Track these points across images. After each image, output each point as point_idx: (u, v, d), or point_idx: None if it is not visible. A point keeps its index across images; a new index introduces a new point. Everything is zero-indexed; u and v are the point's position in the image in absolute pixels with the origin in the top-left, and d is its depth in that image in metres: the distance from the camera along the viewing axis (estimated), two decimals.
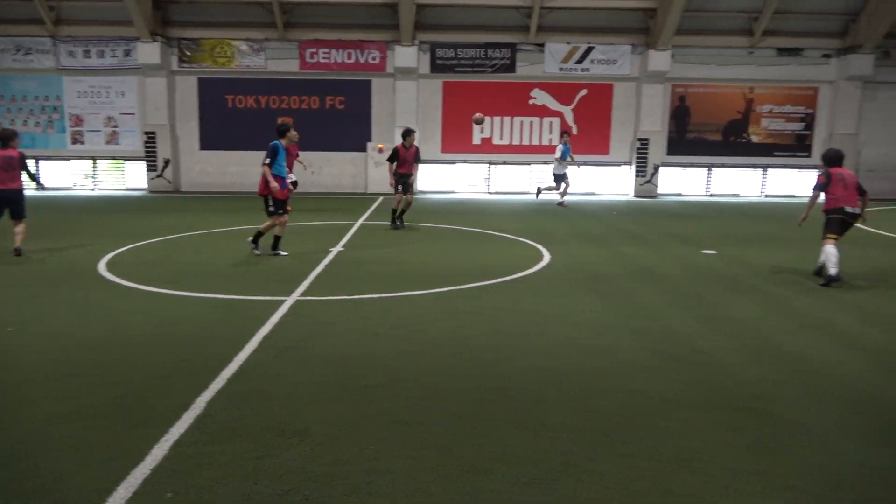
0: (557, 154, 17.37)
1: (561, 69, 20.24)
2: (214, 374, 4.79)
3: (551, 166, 18.12)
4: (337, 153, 20.62)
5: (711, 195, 21.37)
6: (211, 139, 20.52)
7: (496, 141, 20.92)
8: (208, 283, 7.81)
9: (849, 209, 8.28)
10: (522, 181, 21.23)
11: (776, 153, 21.18)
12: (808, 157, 21.26)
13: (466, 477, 3.41)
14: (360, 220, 13.86)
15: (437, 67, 20.19)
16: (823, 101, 20.90)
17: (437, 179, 21.19)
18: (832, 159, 8.57)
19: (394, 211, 12.83)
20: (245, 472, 3.43)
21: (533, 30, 19.67)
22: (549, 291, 7.63)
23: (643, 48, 20.11)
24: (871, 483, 3.40)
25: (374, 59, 20.00)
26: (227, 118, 20.37)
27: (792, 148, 21.18)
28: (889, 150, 21.21)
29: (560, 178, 17.52)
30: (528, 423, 4.06)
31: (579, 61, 20.19)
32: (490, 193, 21.09)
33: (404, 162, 12.77)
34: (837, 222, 8.27)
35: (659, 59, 19.64)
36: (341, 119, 20.53)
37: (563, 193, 17.70)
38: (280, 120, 13.98)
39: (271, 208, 9.42)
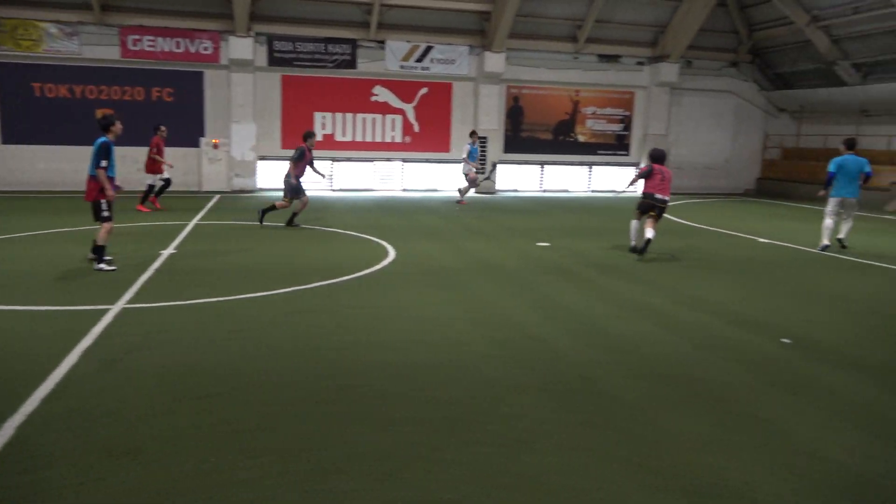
0: (464, 154, 17.63)
1: (402, 67, 20.46)
2: (25, 395, 4.29)
3: (460, 166, 18.18)
4: (166, 149, 19.27)
5: (545, 191, 22.71)
6: (15, 132, 18.29)
7: (339, 137, 20.70)
8: (16, 293, 6.97)
9: (657, 196, 10.24)
10: (366, 178, 21.22)
11: (599, 151, 22.98)
12: (627, 155, 23.31)
13: (315, 479, 3.36)
14: (195, 221, 13.08)
15: (274, 61, 19.56)
16: (638, 105, 23.00)
17: (276, 176, 20.50)
18: (656, 157, 10.50)
19: (270, 208, 12.62)
20: (67, 501, 3.11)
21: (373, 27, 19.69)
22: (394, 287, 7.71)
23: (480, 49, 20.89)
24: (683, 449, 3.80)
25: (206, 49, 18.94)
26: (35, 109, 18.25)
27: (613, 147, 23.09)
28: (693, 150, 23.82)
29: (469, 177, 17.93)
30: (375, 420, 4.08)
31: (419, 60, 20.54)
32: (333, 191, 20.83)
33: (309, 163, 12.68)
34: (645, 204, 10.39)
35: (494, 61, 20.51)
36: (170, 112, 19.16)
37: (463, 192, 18.16)
38: (100, 112, 12.91)
39: (105, 213, 8.38)
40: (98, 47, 18.25)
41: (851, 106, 21.22)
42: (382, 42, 20.20)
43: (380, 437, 3.85)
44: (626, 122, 23.05)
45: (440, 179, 21.77)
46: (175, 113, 19.16)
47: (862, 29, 19.53)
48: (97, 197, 8.25)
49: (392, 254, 9.83)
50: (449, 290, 7.60)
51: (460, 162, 18.05)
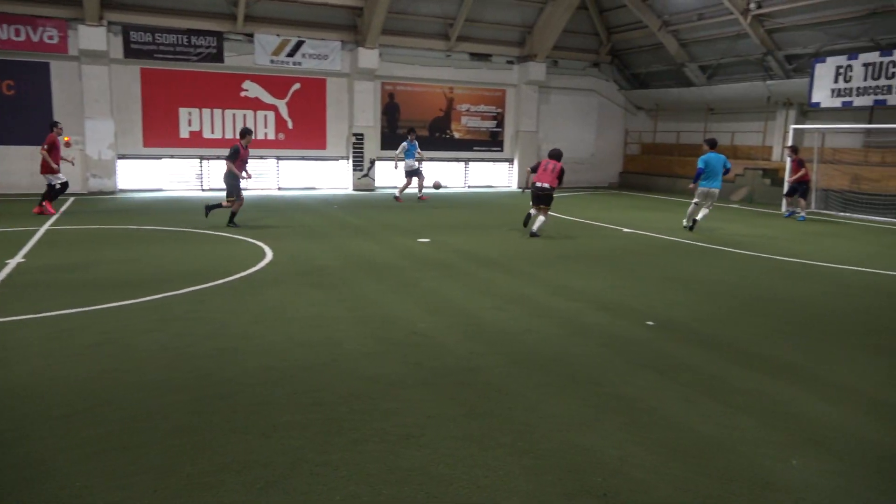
0: (399, 151, 17.97)
1: (272, 62, 19.84)
2: None
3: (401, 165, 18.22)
4: (9, 147, 17.50)
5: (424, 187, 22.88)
6: None
7: (207, 135, 19.73)
8: None
9: (537, 184, 11.93)
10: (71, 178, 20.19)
11: (475, 148, 23.52)
12: (501, 151, 24.04)
13: (193, 493, 3.18)
14: (46, 226, 11.97)
15: (132, 52, 18.28)
16: (510, 103, 23.76)
17: (140, 177, 19.26)
18: (551, 154, 12.32)
19: (216, 206, 12.69)
20: None
21: (240, 19, 18.93)
22: (273, 289, 7.47)
23: (353, 45, 20.68)
24: (562, 431, 3.98)
25: (50, 38, 17.34)
26: None
27: (487, 143, 23.71)
28: (562, 145, 24.63)
29: (412, 173, 18.12)
30: (255, 427, 3.93)
31: (291, 54, 20.01)
32: (204, 190, 19.85)
33: (243, 162, 12.54)
34: (532, 195, 12.11)
35: (368, 57, 20.39)
36: (12, 107, 17.43)
37: (420, 188, 18.54)
38: None
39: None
40: None
41: (699, 104, 23.13)
42: (251, 35, 19.48)
43: (262, 444, 3.72)
44: (499, 119, 23.74)
45: (317, 177, 21.37)
46: (17, 108, 17.43)
47: (706, 34, 21.33)
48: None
49: (269, 255, 9.52)
50: (330, 290, 7.48)
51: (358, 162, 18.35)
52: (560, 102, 24.65)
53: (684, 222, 13.38)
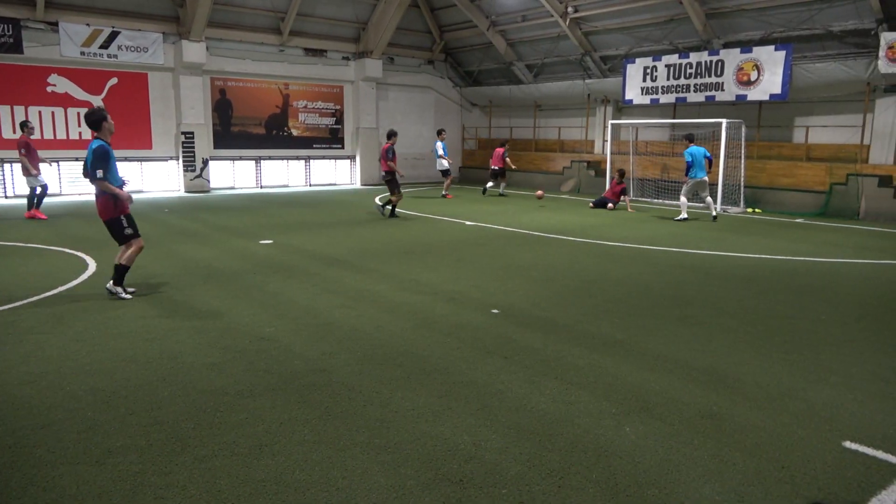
0: (440, 151, 19.30)
1: (83, 53, 18.07)
2: None
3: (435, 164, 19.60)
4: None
5: (263, 187, 22.12)
6: None
7: (7, 135, 17.54)
8: None
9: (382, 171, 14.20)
10: (51, 181, 18.33)
11: (315, 145, 23.09)
12: (342, 148, 23.81)
13: None
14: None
15: None
16: (348, 99, 23.60)
17: None
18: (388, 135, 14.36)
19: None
20: None
21: (40, 5, 17.03)
22: (97, 303, 6.83)
23: (176, 37, 19.41)
24: (416, 423, 4.04)
25: None
26: None
27: (328, 140, 23.37)
28: (402, 142, 25.15)
29: (445, 172, 19.41)
30: (86, 455, 3.58)
31: (104, 46, 18.35)
32: (8, 197, 17.66)
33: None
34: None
35: (194, 50, 19.24)
36: None
37: (448, 186, 19.38)
38: (97, 106, 8.64)
39: (128, 230, 6.99)
40: None
41: (528, 101, 24.46)
42: (55, 24, 17.59)
43: (95, 473, 3.40)
44: (339, 115, 23.50)
45: (143, 179, 19.83)
46: None
47: (530, 34, 22.60)
48: (116, 213, 6.92)
49: (92, 266, 8.70)
50: (164, 301, 6.99)
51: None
52: (398, 99, 24.91)
53: (682, 215, 14.27)
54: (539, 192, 17.01)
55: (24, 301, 6.81)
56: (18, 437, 3.80)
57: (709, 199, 14.54)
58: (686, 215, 14.39)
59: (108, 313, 6.42)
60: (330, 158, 23.56)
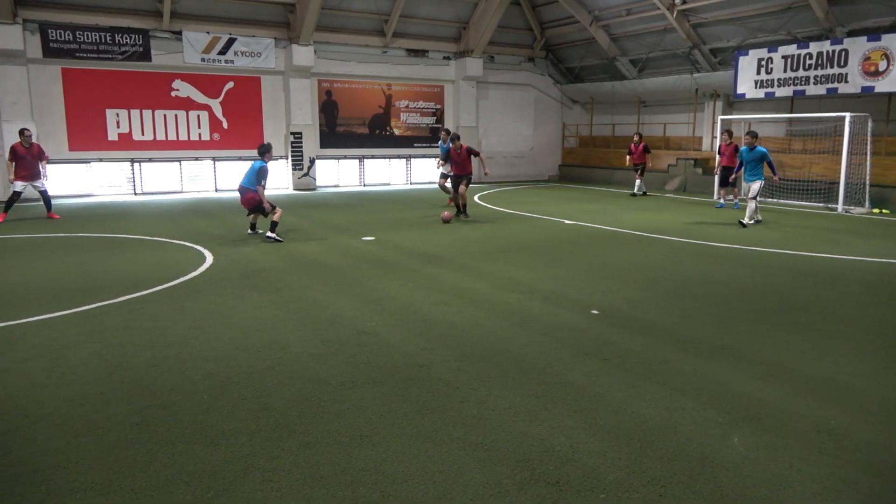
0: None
1: (203, 60, 19.31)
2: None
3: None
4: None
5: (365, 185, 22.77)
6: None
7: (137, 136, 19.05)
8: None
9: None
10: (173, 179, 19.79)
11: (416, 144, 23.51)
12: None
13: None
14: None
15: (51, 52, 17.47)
16: (448, 98, 23.85)
17: (67, 182, 18.44)
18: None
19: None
20: None
21: (166, 16, 18.34)
22: (214, 294, 7.29)
23: (287, 42, 20.33)
24: (512, 422, 4.04)
25: None
26: None
27: (428, 139, 23.73)
28: (501, 140, 25.23)
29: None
30: (202, 436, 3.84)
31: (222, 52, 19.52)
32: (137, 194, 19.17)
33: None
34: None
35: (303, 54, 20.09)
36: None
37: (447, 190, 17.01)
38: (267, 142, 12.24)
39: (268, 206, 10.82)
40: None
41: (632, 97, 23.77)
42: (179, 33, 18.90)
43: (210, 453, 3.63)
44: (439, 114, 23.80)
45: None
46: None
47: (635, 28, 21.93)
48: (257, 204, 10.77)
49: (209, 259, 9.28)
50: (274, 293, 7.35)
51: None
52: (498, 97, 24.90)
53: (757, 217, 12.95)
54: (445, 214, 13.22)
55: (150, 290, 7.38)
56: (143, 415, 4.13)
57: (752, 203, 12.77)
58: (758, 218, 13.02)
59: (224, 303, 6.83)
60: (430, 157, 23.90)
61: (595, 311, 6.53)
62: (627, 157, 19.19)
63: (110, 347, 5.43)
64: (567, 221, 13.34)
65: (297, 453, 3.62)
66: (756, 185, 12.70)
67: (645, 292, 7.40)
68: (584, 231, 12.13)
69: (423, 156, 23.72)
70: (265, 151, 10.80)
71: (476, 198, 18.48)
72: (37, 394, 4.47)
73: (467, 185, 13.65)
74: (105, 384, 4.65)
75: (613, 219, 13.71)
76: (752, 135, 12.90)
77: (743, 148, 12.95)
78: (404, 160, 23.44)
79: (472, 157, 13.50)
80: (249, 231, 11.44)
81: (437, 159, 16.99)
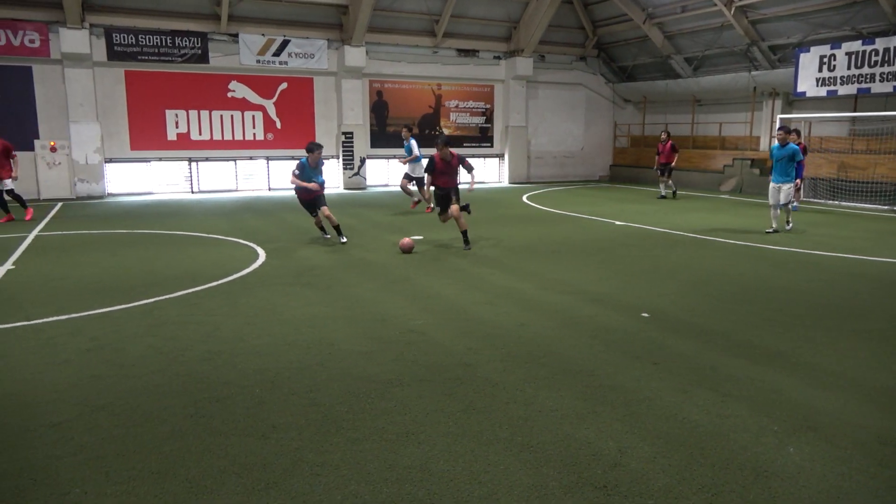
0: (416, 151, 15.24)
1: (258, 61, 19.76)
2: None
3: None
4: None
5: (415, 185, 22.85)
6: None
7: (195, 136, 19.64)
8: None
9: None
10: (228, 178, 20.32)
11: (465, 144, 23.51)
12: (491, 146, 24.06)
13: (194, 497, 3.18)
14: (35, 232, 11.88)
15: (115, 55, 18.16)
16: (498, 98, 23.78)
17: (129, 180, 19.16)
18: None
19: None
20: None
21: (224, 19, 18.83)
22: (266, 290, 7.45)
23: (339, 43, 20.62)
24: (559, 425, 4.00)
25: (32, 42, 17.19)
26: None
27: (477, 139, 23.72)
28: (551, 140, 25.02)
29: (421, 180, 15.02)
30: (252, 429, 3.93)
31: (276, 54, 19.93)
32: (194, 193, 19.76)
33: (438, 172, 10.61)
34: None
35: (354, 55, 20.34)
36: None
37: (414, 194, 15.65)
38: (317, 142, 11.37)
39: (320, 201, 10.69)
40: None
41: (686, 96, 23.23)
42: (235, 35, 19.39)
43: (260, 445, 3.72)
44: (488, 114, 23.76)
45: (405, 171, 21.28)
46: (1, 112, 17.26)
47: (690, 25, 21.43)
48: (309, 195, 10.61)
49: (262, 256, 9.50)
50: (323, 290, 7.47)
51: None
52: (548, 97, 24.70)
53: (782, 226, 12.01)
54: (405, 242, 9.86)
55: (205, 286, 7.59)
56: (198, 407, 4.25)
57: (788, 206, 11.74)
58: (774, 226, 11.66)
59: (275, 300, 6.98)
60: (479, 157, 23.89)
61: (645, 314, 6.41)
62: (655, 156, 18.65)
63: (167, 341, 5.61)
64: (617, 222, 13.13)
65: (344, 449, 3.67)
66: (787, 189, 11.32)
67: (698, 296, 7.22)
68: (636, 232, 11.92)
69: (472, 155, 23.71)
70: (310, 150, 10.45)
71: (524, 198, 18.38)
72: (97, 384, 4.65)
73: (458, 202, 10.33)
74: (161, 376, 4.81)
75: (666, 220, 13.43)
76: (785, 129, 11.41)
77: (774, 145, 11.61)
78: None
79: (467, 167, 10.50)
80: (324, 235, 11.13)
81: (398, 158, 15.69)
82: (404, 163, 15.33)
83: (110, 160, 18.71)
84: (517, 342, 5.59)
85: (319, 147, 10.57)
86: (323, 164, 10.87)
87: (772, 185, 11.60)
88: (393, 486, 3.29)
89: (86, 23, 17.42)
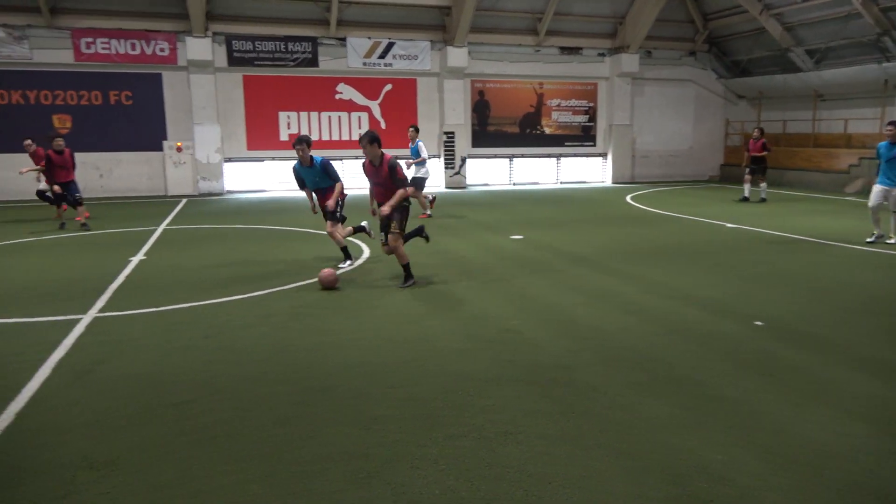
0: (424, 153, 14.09)
1: (364, 64, 20.36)
2: None
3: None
4: (128, 153, 18.91)
5: (514, 184, 22.83)
6: None
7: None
8: None
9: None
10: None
11: (567, 143, 23.20)
12: (594, 146, 23.58)
13: (299, 481, 3.34)
14: (163, 226, 12.85)
15: (234, 61, 19.30)
16: (602, 96, 23.26)
17: (245, 178, 20.30)
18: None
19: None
20: None
21: (333, 24, 19.54)
22: (369, 286, 7.68)
23: (442, 44, 20.89)
24: (662, 433, 3.88)
25: (162, 50, 18.59)
26: None
27: (580, 138, 23.32)
28: (657, 138, 24.19)
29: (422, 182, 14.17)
30: (354, 420, 4.07)
31: (382, 56, 20.46)
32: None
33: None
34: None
35: (457, 56, 20.53)
36: (130, 116, 18.82)
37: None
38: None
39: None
40: (49, 51, 17.80)
41: (807, 91, 21.74)
42: (343, 39, 20.08)
43: (361, 436, 3.84)
44: (591, 113, 23.29)
45: (408, 176, 21.73)
46: (135, 116, 18.83)
47: (813, 16, 20.03)
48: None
49: (366, 252, 9.80)
50: (422, 287, 7.61)
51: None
52: (655, 94, 23.88)
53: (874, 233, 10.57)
54: (325, 274, 7.55)
55: (313, 280, 7.92)
56: (305, 395, 4.45)
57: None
58: (876, 233, 10.44)
59: (378, 295, 7.18)
60: (581, 156, 23.48)
61: (759, 323, 6.08)
62: (745, 153, 17.29)
63: (276, 331, 5.91)
64: (728, 225, 12.51)
65: (442, 444, 3.73)
66: None
67: (817, 304, 6.76)
68: (748, 235, 11.31)
69: (574, 154, 23.35)
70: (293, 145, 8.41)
71: (628, 198, 17.88)
72: (213, 369, 4.98)
73: (401, 224, 7.64)
74: (270, 364, 5.08)
75: (782, 223, 12.65)
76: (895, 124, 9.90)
77: (882, 143, 10.19)
78: (554, 159, 23.21)
79: (395, 179, 7.53)
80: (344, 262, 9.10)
81: (406, 161, 13.37)
82: (409, 165, 13.51)
83: (229, 159, 19.91)
84: (618, 346, 5.46)
85: (301, 141, 8.19)
86: (322, 162, 8.41)
87: (878, 187, 10.21)
88: (491, 483, 3.31)
89: (209, 31, 18.62)
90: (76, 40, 17.85)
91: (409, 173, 13.55)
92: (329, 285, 7.49)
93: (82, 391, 4.55)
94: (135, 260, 9.29)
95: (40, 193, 13.54)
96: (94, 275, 8.25)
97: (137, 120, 18.72)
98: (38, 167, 12.86)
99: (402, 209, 7.67)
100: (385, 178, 7.55)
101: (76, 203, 12.34)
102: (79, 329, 5.95)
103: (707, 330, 5.88)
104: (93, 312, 6.50)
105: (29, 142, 13.49)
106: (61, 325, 6.09)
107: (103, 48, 18.08)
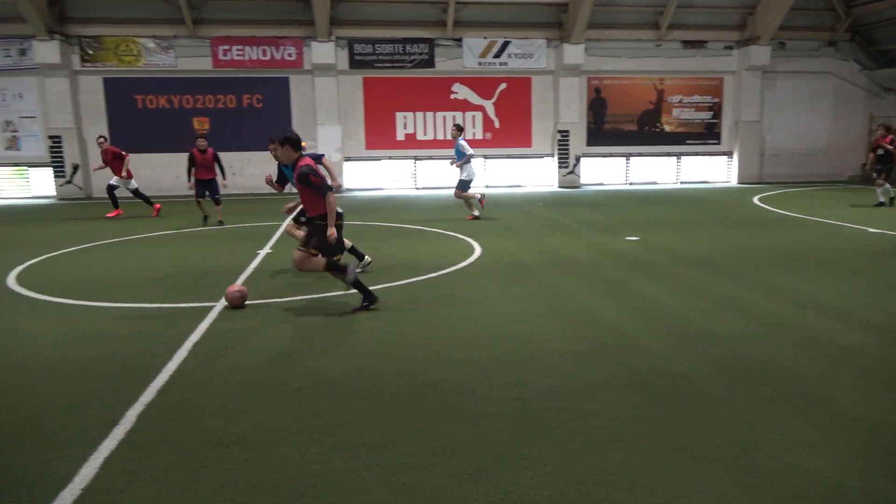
0: (469, 150, 13.19)
1: (479, 63, 20.50)
2: (143, 386, 4.61)
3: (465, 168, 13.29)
4: (258, 153, 20.15)
5: (631, 183, 22.17)
6: (121, 142, 19.54)
7: (420, 136, 21.00)
8: (132, 292, 7.49)
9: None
10: (449, 176, 21.38)
11: (688, 141, 22.20)
12: (718, 144, 22.42)
13: (408, 472, 3.43)
14: (288, 220, 13.57)
15: (355, 63, 20.06)
16: (728, 91, 22.05)
17: (363, 176, 21.07)
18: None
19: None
20: (183, 485, 3.32)
21: (450, 24, 19.82)
22: (480, 284, 7.73)
23: (558, 42, 20.62)
24: (784, 449, 3.63)
25: (290, 55, 19.66)
26: (138, 119, 19.56)
27: (702, 136, 22.25)
28: (789, 136, 22.62)
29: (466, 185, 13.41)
30: (462, 415, 4.11)
31: (497, 55, 20.51)
32: (417, 189, 21.13)
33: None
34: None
35: (573, 53, 20.19)
36: (260, 117, 20.07)
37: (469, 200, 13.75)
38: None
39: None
40: (192, 59, 19.33)
41: None
42: (459, 40, 20.32)
43: (469, 432, 3.88)
44: (716, 109, 22.16)
45: (522, 175, 21.67)
46: (264, 118, 20.05)
47: None
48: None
49: (478, 250, 9.88)
50: (534, 287, 7.56)
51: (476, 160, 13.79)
52: (787, 88, 22.33)
53: None
54: (232, 292, 6.75)
55: (425, 276, 8.10)
56: (414, 388, 4.56)
57: None
58: None
59: (488, 294, 7.22)
60: (703, 154, 22.39)
61: None
62: (870, 154, 15.55)
63: (389, 325, 6.09)
64: (871, 230, 11.48)
65: (550, 446, 3.69)
66: None
67: None
68: (893, 241, 10.32)
69: (696, 153, 22.31)
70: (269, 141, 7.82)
71: (755, 199, 16.84)
72: (329, 358, 5.21)
73: (322, 248, 6.52)
74: (382, 357, 5.24)
75: None
76: None
77: None
78: (674, 158, 22.28)
79: (312, 187, 6.32)
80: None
81: (451, 161, 13.25)
82: (458, 166, 13.03)
83: (349, 158, 20.73)
84: (740, 356, 5.16)
85: (272, 140, 7.30)
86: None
87: None
88: (600, 490, 3.24)
89: (332, 36, 19.47)
90: (214, 48, 19.27)
91: (457, 175, 13.16)
92: (236, 304, 6.64)
93: (213, 373, 4.91)
94: (262, 253, 9.89)
95: (110, 189, 14.60)
96: (226, 266, 8.88)
97: (266, 121, 19.92)
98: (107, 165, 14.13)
99: (320, 230, 6.36)
100: (312, 184, 6.27)
101: (216, 203, 13.30)
102: (212, 316, 6.43)
103: (842, 343, 5.43)
104: (224, 301, 7.00)
105: (102, 139, 14.43)
106: (198, 311, 6.60)
107: (238, 55, 19.40)
